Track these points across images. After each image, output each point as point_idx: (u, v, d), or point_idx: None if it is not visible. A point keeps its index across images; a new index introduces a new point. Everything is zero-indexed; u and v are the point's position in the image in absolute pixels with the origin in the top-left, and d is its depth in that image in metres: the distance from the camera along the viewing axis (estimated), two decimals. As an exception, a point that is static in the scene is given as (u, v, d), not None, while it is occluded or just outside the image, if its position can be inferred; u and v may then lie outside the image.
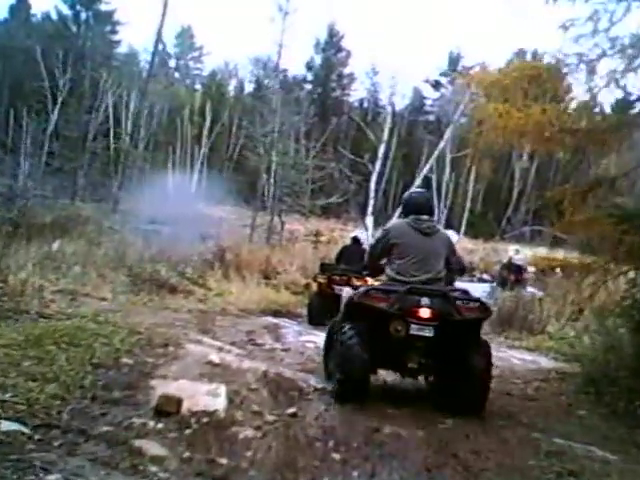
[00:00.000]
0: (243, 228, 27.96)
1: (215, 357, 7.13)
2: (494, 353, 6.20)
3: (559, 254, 44.26)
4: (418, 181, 35.18)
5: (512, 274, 16.87)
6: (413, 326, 5.58)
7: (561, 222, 8.90)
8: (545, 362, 10.68)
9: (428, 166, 37.72)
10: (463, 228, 50.08)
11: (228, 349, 8.32)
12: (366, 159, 29.50)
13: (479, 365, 5.72)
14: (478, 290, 12.93)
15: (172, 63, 75.18)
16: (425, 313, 5.59)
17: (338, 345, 5.90)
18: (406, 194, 6.77)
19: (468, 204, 54.61)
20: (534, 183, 59.89)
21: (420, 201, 6.35)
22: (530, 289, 16.14)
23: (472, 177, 56.99)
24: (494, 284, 15.04)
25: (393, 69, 68.03)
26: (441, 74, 69.37)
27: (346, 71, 67.62)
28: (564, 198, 8.48)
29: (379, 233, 6.76)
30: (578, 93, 9.49)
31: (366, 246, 14.02)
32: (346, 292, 9.61)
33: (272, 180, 27.92)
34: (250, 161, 41.61)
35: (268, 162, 28.01)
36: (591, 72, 8.17)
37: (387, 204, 52.26)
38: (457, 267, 6.44)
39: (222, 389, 5.81)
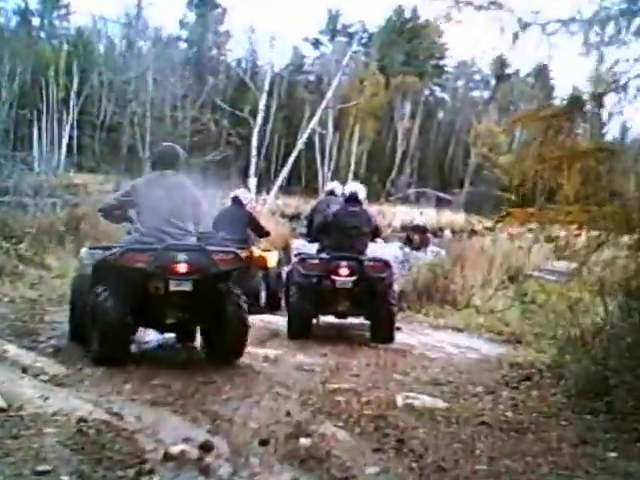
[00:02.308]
0: (108, 195, 24.16)
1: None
2: (419, 337, 7.52)
3: (446, 214, 43.46)
4: (300, 143, 33.08)
5: (417, 234, 14.74)
6: (172, 282, 5.60)
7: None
8: (486, 348, 8.26)
9: (311, 125, 35.45)
10: (348, 190, 47.56)
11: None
12: (246, 112, 26.38)
13: (235, 313, 5.89)
14: (388, 254, 10.56)
15: (36, 22, 69.57)
16: (183, 268, 5.57)
17: (94, 308, 5.64)
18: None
19: (352, 166, 52.56)
20: (417, 144, 58.64)
21: (166, 155, 6.35)
22: (433, 248, 14.14)
23: (355, 137, 54.82)
24: (404, 246, 12.53)
25: (271, 28, 65.10)
26: (320, 32, 67.07)
27: (222, 29, 63.49)
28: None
29: (125, 189, 6.52)
30: None
31: (250, 208, 11.07)
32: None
33: (138, 136, 24.29)
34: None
35: (131, 115, 24.41)
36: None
37: (269, 168, 49.26)
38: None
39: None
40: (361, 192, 8.33)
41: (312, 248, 10.66)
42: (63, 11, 68.10)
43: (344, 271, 7.63)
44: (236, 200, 10.47)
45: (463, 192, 54.25)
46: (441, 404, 5.01)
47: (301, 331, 7.85)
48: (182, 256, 5.59)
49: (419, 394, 5.22)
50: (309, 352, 7.14)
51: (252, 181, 21.14)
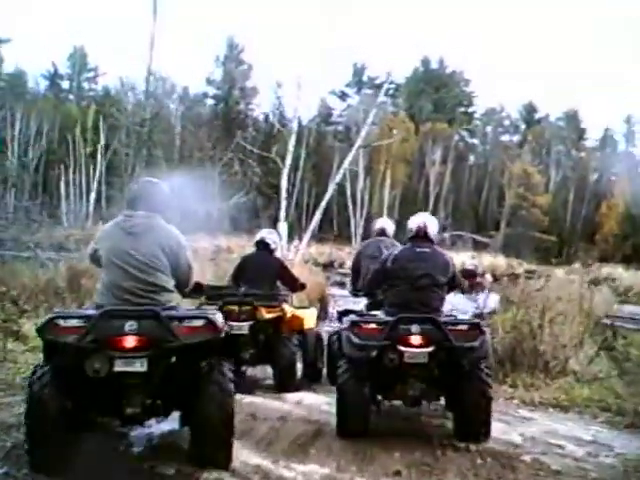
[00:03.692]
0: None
1: None
2: (518, 426, 5.65)
3: (485, 257, 40.81)
4: (331, 188, 31.15)
5: (467, 279, 12.14)
6: (117, 361, 4.17)
7: None
8: (618, 441, 5.67)
9: (341, 171, 33.34)
10: (382, 238, 45.42)
11: None
12: (274, 153, 24.22)
13: (214, 399, 4.34)
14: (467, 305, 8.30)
15: (65, 85, 69.32)
16: (131, 341, 4.15)
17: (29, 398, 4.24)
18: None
19: (385, 212, 50.20)
20: (450, 188, 56.43)
21: (138, 192, 4.83)
22: (493, 295, 11.35)
23: (387, 183, 52.67)
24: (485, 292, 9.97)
25: (297, 80, 63.96)
26: (347, 85, 66.18)
27: (249, 84, 62.24)
28: None
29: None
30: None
31: (279, 254, 8.67)
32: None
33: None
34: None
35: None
36: None
37: (300, 217, 47.17)
38: None
39: None
40: (431, 225, 5.88)
41: (358, 303, 8.25)
42: (91, 74, 68.06)
43: (416, 339, 5.17)
44: (262, 244, 7.94)
45: (500, 234, 51.74)
46: None
47: (356, 426, 5.37)
48: (130, 325, 4.19)
49: None
50: (373, 466, 4.67)
51: (283, 226, 18.78)
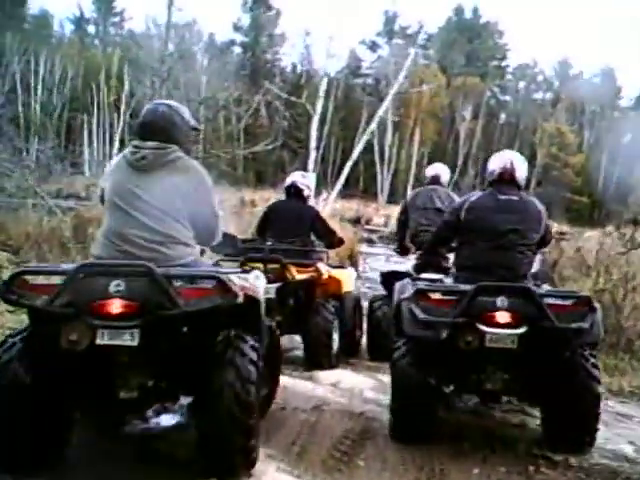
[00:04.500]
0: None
1: None
2: (617, 426, 4.45)
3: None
4: (360, 145, 29.72)
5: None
6: (100, 332, 3.16)
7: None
8: None
9: (370, 129, 31.70)
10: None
11: None
12: (303, 99, 22.58)
13: (222, 407, 3.23)
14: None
15: (91, 29, 67.66)
16: (117, 306, 3.11)
17: None
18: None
19: (413, 169, 48.56)
20: (480, 145, 54.38)
21: (147, 119, 3.62)
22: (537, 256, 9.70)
23: (416, 139, 50.77)
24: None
25: (326, 30, 61.77)
26: (377, 34, 63.57)
27: (277, 32, 60.14)
28: None
29: None
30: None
31: (313, 202, 7.33)
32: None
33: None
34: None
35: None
36: None
37: (326, 172, 45.59)
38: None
39: None
40: (520, 167, 4.40)
41: (400, 264, 6.91)
42: (117, 18, 66.18)
43: (503, 316, 3.73)
44: (293, 190, 6.48)
45: (530, 194, 49.85)
46: None
47: (418, 428, 4.01)
48: (116, 285, 3.13)
49: None
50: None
51: (311, 177, 17.29)
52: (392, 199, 45.22)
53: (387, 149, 49.47)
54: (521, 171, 4.37)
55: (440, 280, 4.49)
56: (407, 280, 4.61)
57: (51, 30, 60.39)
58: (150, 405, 3.74)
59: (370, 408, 4.60)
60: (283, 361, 4.61)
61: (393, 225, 32.17)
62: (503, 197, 4.24)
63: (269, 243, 6.17)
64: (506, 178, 4.31)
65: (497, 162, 4.38)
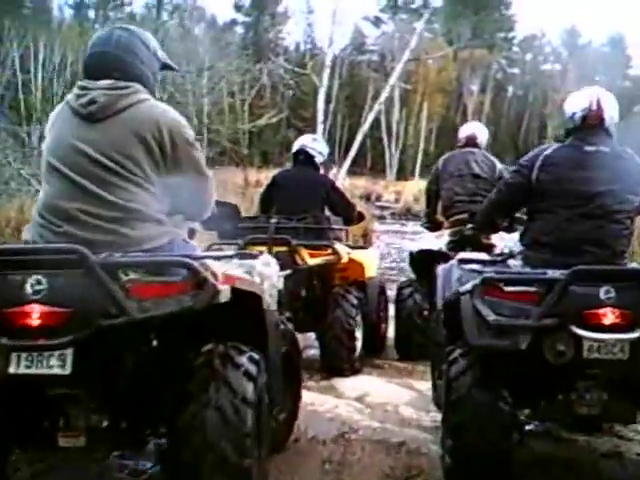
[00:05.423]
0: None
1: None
2: None
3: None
4: (367, 122, 28.75)
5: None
6: (15, 357, 2.23)
7: None
8: None
9: (377, 105, 30.54)
10: (418, 170, 42.93)
11: None
12: (309, 69, 21.53)
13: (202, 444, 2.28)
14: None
15: (92, 14, 66.64)
16: (35, 315, 2.25)
17: None
18: None
19: (422, 144, 47.38)
20: (489, 119, 53.10)
21: (98, 49, 2.59)
22: None
23: (424, 114, 49.54)
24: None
25: (329, 7, 60.68)
26: (381, 10, 62.20)
27: (279, 9, 58.89)
28: None
29: None
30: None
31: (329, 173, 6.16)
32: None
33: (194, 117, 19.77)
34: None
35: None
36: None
37: (333, 150, 44.44)
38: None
39: None
40: (609, 107, 3.13)
41: (433, 241, 5.76)
42: (118, 1, 65.04)
43: (610, 315, 2.53)
44: (303, 155, 5.29)
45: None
46: None
47: (487, 473, 2.74)
48: (34, 283, 2.08)
49: None
50: None
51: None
52: (400, 175, 44.34)
53: (395, 125, 48.33)
54: (613, 111, 3.17)
55: (502, 262, 3.31)
56: (453, 263, 3.42)
57: (50, 15, 59.28)
58: (107, 454, 2.63)
59: (411, 435, 3.46)
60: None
61: (404, 201, 31.20)
62: (591, 148, 3.04)
63: (274, 221, 4.95)
64: (593, 123, 3.11)
65: (579, 101, 3.18)
